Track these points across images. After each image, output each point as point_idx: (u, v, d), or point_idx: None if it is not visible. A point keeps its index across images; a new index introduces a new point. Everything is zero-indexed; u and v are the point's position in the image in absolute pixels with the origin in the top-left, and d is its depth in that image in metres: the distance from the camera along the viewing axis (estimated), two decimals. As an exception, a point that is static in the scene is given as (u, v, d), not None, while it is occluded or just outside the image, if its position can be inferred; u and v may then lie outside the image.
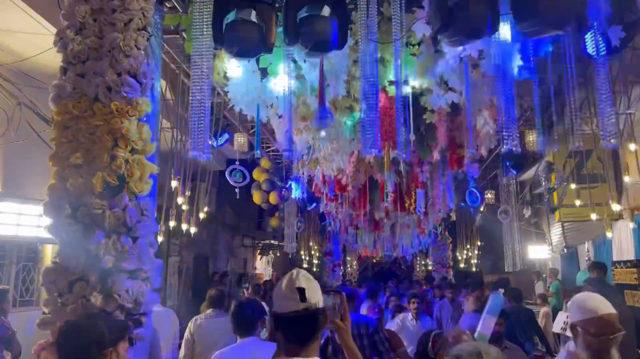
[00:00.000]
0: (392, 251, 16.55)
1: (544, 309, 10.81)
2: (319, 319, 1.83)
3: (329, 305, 1.96)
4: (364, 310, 6.00)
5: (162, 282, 3.06)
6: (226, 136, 6.27)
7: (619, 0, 3.63)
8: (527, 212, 14.89)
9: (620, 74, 7.01)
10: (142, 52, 3.10)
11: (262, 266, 19.26)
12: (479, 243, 15.48)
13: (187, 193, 5.70)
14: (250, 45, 3.50)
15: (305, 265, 16.43)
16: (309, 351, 1.81)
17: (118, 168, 2.90)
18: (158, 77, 3.54)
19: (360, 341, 4.23)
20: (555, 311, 10.06)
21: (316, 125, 3.64)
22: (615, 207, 7.05)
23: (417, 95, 4.90)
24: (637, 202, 9.81)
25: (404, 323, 6.50)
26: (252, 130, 7.46)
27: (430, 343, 3.69)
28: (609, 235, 10.87)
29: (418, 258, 23.65)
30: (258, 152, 4.41)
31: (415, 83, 4.40)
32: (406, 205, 7.84)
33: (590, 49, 3.53)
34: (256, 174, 9.29)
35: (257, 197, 9.77)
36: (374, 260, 32.81)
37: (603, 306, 2.32)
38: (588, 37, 3.50)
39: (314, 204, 10.59)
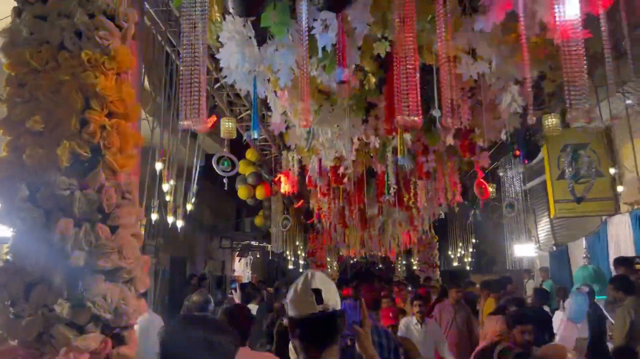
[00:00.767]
0: (377, 251, 16.00)
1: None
2: (337, 322, 1.74)
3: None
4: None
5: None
6: (213, 117, 5.58)
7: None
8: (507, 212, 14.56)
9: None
10: (122, -12, 2.42)
11: (241, 269, 18.49)
12: (473, 241, 15.07)
13: (172, 181, 4.96)
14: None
15: (290, 266, 15.74)
16: (329, 355, 1.74)
17: (91, 137, 2.22)
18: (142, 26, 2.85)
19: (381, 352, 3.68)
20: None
21: (334, 89, 2.96)
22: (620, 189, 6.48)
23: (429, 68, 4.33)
24: (634, 197, 9.46)
25: (408, 328, 5.89)
26: (240, 116, 6.78)
27: None
28: (610, 230, 10.57)
29: (399, 258, 23.17)
30: (256, 131, 3.74)
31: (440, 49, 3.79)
32: (405, 199, 7.27)
33: None
34: (242, 167, 8.59)
35: (242, 192, 9.06)
36: (352, 261, 32.35)
37: None
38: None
39: (301, 201, 9.96)
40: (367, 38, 3.83)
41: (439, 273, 16.55)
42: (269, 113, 4.96)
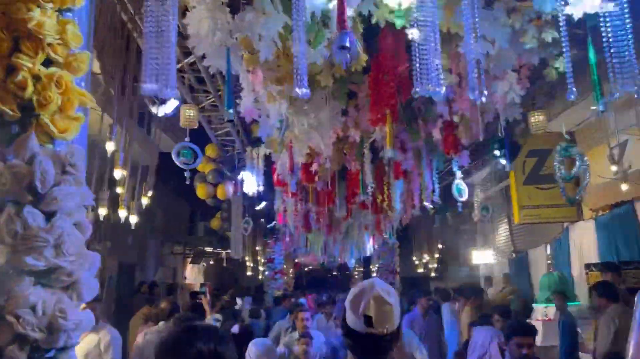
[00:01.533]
0: (337, 258, 15.54)
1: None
2: (385, 345, 1.71)
3: None
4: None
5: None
6: (176, 102, 4.96)
7: None
8: (477, 215, 14.45)
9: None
10: None
11: (193, 276, 17.59)
12: (440, 246, 14.82)
13: (125, 171, 4.27)
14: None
15: (249, 273, 15.02)
16: None
17: (19, 89, 1.63)
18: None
19: None
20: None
21: (335, 57, 2.46)
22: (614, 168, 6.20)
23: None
24: (598, 203, 9.41)
25: None
26: (201, 105, 6.16)
27: None
28: (572, 236, 10.52)
29: (356, 265, 22.82)
30: (230, 111, 3.20)
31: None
32: (378, 200, 6.83)
33: None
34: (200, 164, 7.90)
35: (201, 191, 8.37)
36: (306, 268, 31.83)
37: None
38: None
39: (263, 202, 9.38)
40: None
41: (399, 279, 16.27)
42: (237, 100, 4.40)
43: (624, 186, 6.07)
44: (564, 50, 2.58)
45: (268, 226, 13.33)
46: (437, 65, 2.18)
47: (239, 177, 7.84)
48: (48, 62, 1.71)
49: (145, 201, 4.52)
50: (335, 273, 33.66)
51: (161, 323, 4.38)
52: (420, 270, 15.67)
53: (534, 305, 10.01)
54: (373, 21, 3.29)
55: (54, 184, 1.63)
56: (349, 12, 3.26)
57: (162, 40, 2.13)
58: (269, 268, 14.89)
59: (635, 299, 3.61)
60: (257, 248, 13.54)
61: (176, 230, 15.35)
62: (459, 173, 5.85)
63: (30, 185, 1.59)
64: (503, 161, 5.75)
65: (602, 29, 2.69)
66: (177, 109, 4.77)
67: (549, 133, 10.02)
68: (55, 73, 1.69)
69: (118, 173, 4.11)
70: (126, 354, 5.03)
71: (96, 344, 4.04)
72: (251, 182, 6.86)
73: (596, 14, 2.76)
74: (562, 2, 2.85)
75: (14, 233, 1.53)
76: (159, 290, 11.18)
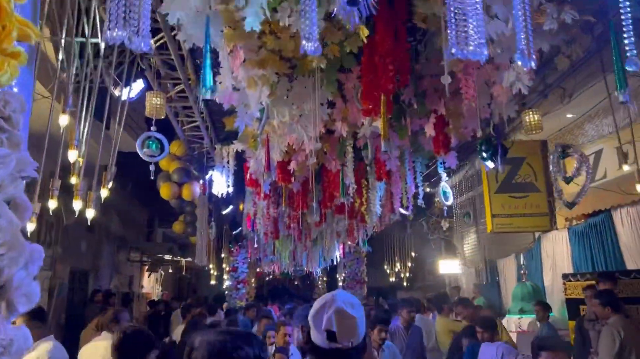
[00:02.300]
0: (304, 267, 15.03)
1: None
2: (351, 357, 1.65)
3: None
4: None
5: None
6: (142, 85, 4.41)
7: None
8: (445, 224, 14.29)
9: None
10: None
11: (151, 285, 16.74)
12: (413, 254, 14.49)
13: (82, 150, 3.64)
14: None
15: (213, 281, 14.29)
16: None
17: None
18: None
19: None
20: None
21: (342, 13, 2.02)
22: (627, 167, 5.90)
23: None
24: (573, 212, 9.30)
25: None
26: (168, 94, 5.59)
27: None
28: (544, 245, 10.41)
29: (321, 275, 22.37)
30: (209, 87, 2.73)
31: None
32: (356, 204, 6.43)
33: None
34: (164, 162, 7.32)
35: (165, 191, 7.73)
36: (267, 278, 31.17)
37: None
38: None
39: (230, 206, 8.82)
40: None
41: (366, 290, 15.89)
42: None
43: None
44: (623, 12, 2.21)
45: (234, 232, 12.71)
46: (478, 19, 1.79)
47: (207, 177, 7.28)
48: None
49: (104, 193, 3.92)
50: (296, 282, 33.13)
51: (104, 333, 3.87)
52: (392, 279, 15.33)
53: (507, 316, 9.83)
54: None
55: (-22, 144, 1.13)
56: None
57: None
58: (232, 277, 14.23)
59: None
60: (223, 255, 12.90)
61: (133, 236, 14.54)
62: (444, 176, 5.52)
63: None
64: (490, 164, 5.41)
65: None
66: (143, 93, 4.23)
67: (522, 141, 9.95)
68: (-16, -10, 1.20)
69: (73, 154, 3.47)
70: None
71: None
72: (221, 182, 6.34)
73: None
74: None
75: None
76: (115, 299, 10.43)
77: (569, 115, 9.42)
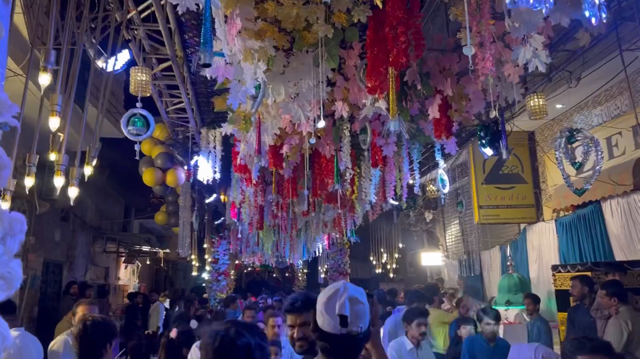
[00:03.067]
0: (287, 258, 14.73)
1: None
2: (358, 344, 1.77)
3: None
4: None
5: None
6: (128, 56, 4.07)
7: None
8: (429, 216, 14.17)
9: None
10: None
11: (127, 277, 16.27)
12: (400, 245, 14.29)
13: (63, 131, 3.30)
14: None
15: (194, 273, 13.90)
16: None
17: None
18: None
19: None
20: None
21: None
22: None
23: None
24: (561, 204, 9.23)
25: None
26: (153, 71, 5.20)
27: None
28: (530, 237, 10.35)
29: (301, 267, 22.12)
30: (208, 52, 2.44)
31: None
32: (347, 192, 6.18)
33: None
34: (146, 147, 6.93)
35: (148, 177, 7.31)
36: (245, 270, 30.81)
37: None
38: None
39: (214, 195, 8.48)
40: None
41: (348, 280, 15.71)
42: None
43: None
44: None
45: (216, 222, 12.35)
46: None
47: (192, 162, 6.91)
48: None
49: (88, 171, 3.58)
50: (275, 275, 32.83)
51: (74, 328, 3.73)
52: (379, 271, 15.12)
53: (493, 307, 9.72)
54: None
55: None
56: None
57: None
58: (213, 269, 13.88)
59: None
60: (205, 246, 12.53)
61: (109, 227, 14.06)
62: (442, 162, 5.31)
63: None
64: (488, 151, 5.24)
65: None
66: (128, 66, 3.89)
67: (509, 132, 9.83)
68: None
69: (54, 121, 3.09)
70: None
71: None
72: (207, 168, 6.01)
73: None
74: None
75: None
76: (91, 291, 10.02)
77: (559, 106, 9.33)
